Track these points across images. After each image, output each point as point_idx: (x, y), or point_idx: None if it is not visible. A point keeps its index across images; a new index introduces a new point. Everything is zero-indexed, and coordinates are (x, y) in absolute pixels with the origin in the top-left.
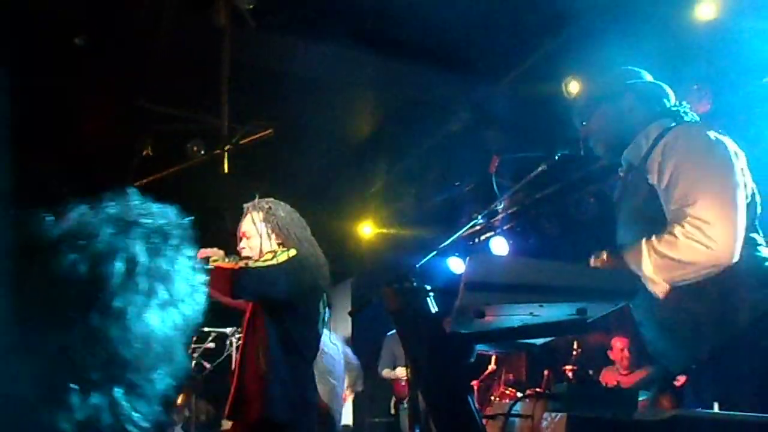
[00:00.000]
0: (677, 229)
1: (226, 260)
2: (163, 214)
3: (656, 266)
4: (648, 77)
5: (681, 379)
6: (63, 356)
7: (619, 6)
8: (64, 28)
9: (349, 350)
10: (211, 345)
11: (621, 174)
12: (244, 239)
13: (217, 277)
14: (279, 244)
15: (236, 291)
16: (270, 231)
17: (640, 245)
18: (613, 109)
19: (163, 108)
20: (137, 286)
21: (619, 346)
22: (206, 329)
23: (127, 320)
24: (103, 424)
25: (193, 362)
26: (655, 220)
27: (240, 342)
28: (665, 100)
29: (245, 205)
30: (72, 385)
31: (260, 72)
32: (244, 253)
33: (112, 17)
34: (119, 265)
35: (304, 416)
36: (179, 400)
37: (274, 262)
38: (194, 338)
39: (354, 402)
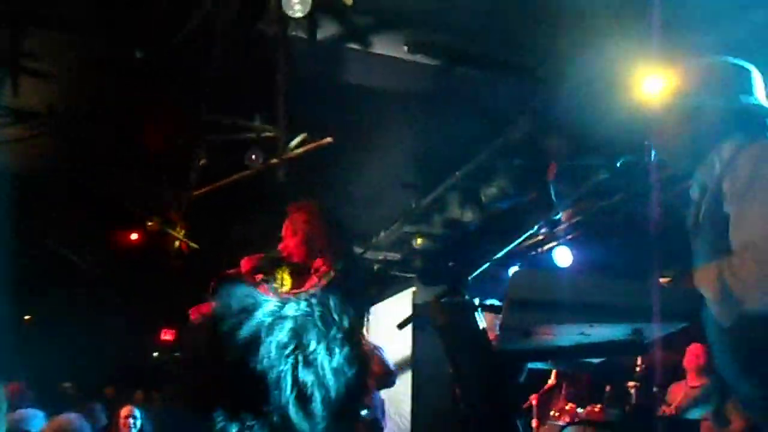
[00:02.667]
0: (744, 257)
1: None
2: None
3: (722, 292)
4: (755, 77)
5: None
6: None
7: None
8: (120, 43)
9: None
10: None
11: (694, 198)
12: (285, 239)
13: None
14: (319, 252)
15: None
16: (310, 234)
17: (711, 266)
18: (688, 128)
19: (220, 118)
20: None
21: (694, 351)
22: None
23: None
24: None
25: None
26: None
27: None
28: (752, 115)
29: (289, 207)
30: None
31: (317, 82)
32: (284, 254)
33: (166, 30)
34: None
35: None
36: None
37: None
38: None
39: (413, 417)
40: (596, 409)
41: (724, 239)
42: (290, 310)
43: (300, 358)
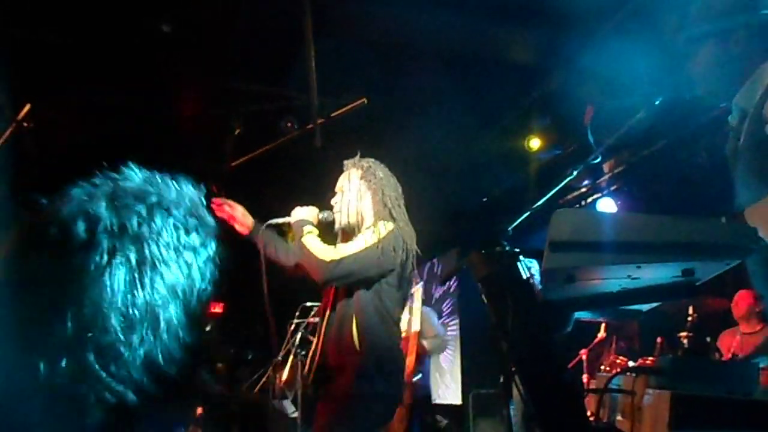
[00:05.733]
0: None
1: (321, 216)
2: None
3: None
4: None
5: None
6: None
7: None
8: (149, 16)
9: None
10: (315, 320)
11: (733, 124)
12: (338, 194)
13: (309, 263)
14: (375, 212)
15: (327, 282)
16: (366, 189)
17: (765, 200)
18: (718, 50)
19: (253, 86)
20: (98, 246)
21: (743, 298)
22: (309, 304)
23: (88, 280)
24: (78, 392)
25: (299, 336)
26: None
27: (324, 310)
28: None
29: (345, 162)
30: (38, 351)
31: (346, 42)
32: (335, 209)
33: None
34: (80, 225)
35: (397, 385)
36: (287, 376)
37: (362, 246)
38: (297, 313)
39: (462, 372)
40: (648, 360)
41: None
42: None
43: None
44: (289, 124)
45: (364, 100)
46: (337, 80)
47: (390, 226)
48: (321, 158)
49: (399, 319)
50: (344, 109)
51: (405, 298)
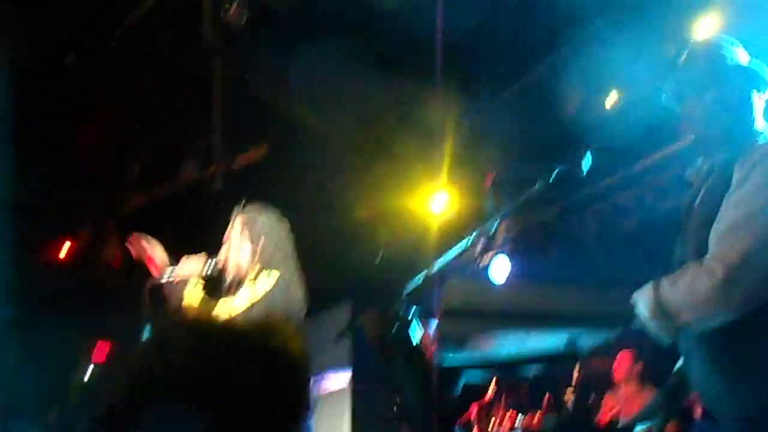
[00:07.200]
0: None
1: (206, 269)
2: None
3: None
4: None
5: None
6: None
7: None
8: (56, 48)
9: None
10: None
11: (692, 180)
12: (225, 242)
13: None
14: (253, 256)
15: None
16: (246, 240)
17: (648, 287)
18: (729, 112)
19: (156, 128)
20: None
21: (625, 362)
22: None
23: None
24: None
25: None
26: None
27: None
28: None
29: (234, 210)
30: None
31: (253, 90)
32: (220, 256)
33: (102, 37)
34: None
35: None
36: None
37: (246, 304)
38: None
39: (353, 425)
40: (534, 419)
41: (705, 229)
42: None
43: None
44: (188, 167)
45: (266, 147)
46: (243, 125)
47: (273, 277)
48: (220, 201)
49: None
50: (245, 156)
51: None
